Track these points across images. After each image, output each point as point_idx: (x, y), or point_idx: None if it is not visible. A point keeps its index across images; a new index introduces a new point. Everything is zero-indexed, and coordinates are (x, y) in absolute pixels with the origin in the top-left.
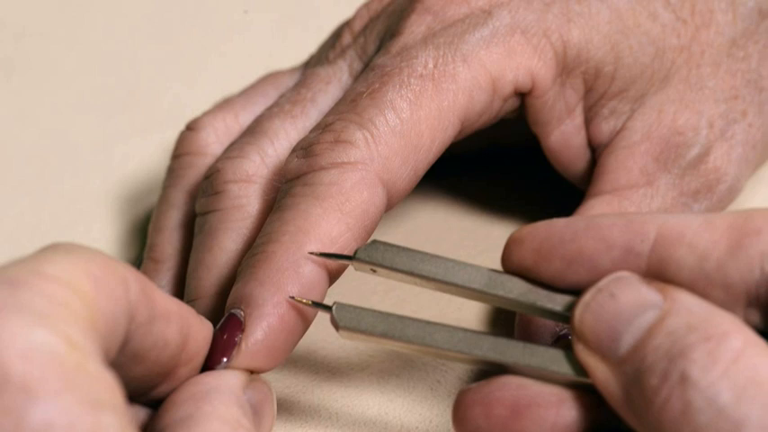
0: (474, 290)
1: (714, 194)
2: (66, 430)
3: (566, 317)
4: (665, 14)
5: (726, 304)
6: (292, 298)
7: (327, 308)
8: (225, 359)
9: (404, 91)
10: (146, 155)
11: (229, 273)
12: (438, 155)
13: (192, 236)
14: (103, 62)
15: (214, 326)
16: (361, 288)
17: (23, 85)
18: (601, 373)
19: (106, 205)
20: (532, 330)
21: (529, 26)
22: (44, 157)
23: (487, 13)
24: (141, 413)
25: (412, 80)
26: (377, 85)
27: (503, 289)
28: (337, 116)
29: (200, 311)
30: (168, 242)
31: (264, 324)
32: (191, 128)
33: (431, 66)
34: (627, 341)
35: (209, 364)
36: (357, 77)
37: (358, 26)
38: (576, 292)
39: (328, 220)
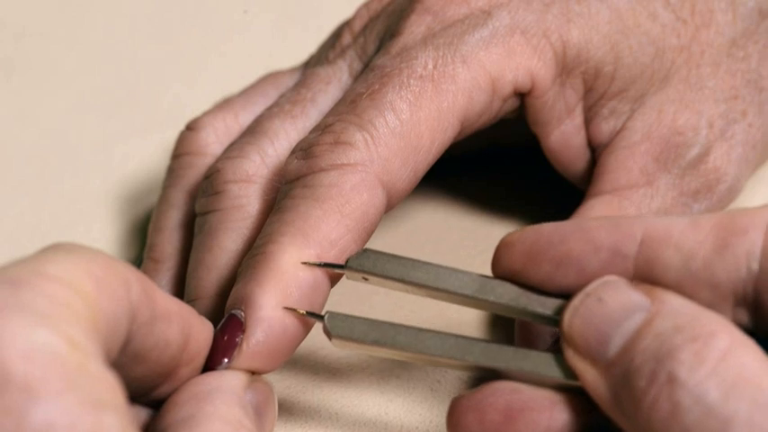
0: (465, 296)
1: (714, 194)
2: (68, 430)
3: (556, 321)
4: (665, 14)
5: (713, 304)
6: (286, 308)
7: (320, 317)
8: (226, 360)
9: (403, 92)
10: (146, 155)
11: (229, 273)
12: (438, 156)
13: (192, 236)
14: (103, 62)
15: (214, 326)
16: (362, 287)
17: (23, 85)
18: (590, 376)
19: (106, 205)
20: (532, 332)
21: (528, 26)
22: (44, 157)
23: (487, 14)
24: (142, 413)
25: (411, 81)
26: (376, 86)
27: (493, 294)
28: (337, 117)
29: (200, 312)
30: (168, 242)
31: (265, 325)
32: (191, 128)
33: (430, 66)
34: (615, 344)
35: (211, 364)
36: (357, 78)
37: (358, 26)
38: (566, 295)
39: (328, 221)
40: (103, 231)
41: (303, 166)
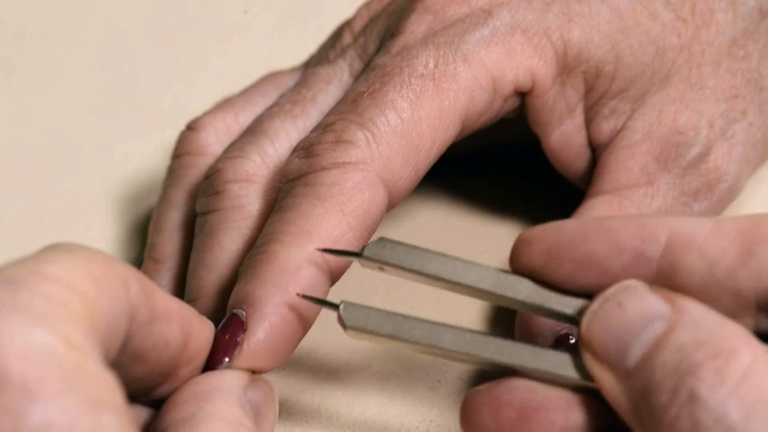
0: (482, 290)
1: (714, 194)
2: (66, 430)
3: (575, 320)
4: (666, 14)
5: (736, 311)
6: (299, 295)
7: (335, 306)
8: (227, 359)
9: (405, 91)
10: (146, 155)
11: (230, 273)
12: (439, 155)
13: (193, 236)
14: (103, 62)
15: (215, 326)
16: (362, 287)
17: (23, 85)
18: (608, 383)
19: (106, 205)
20: (533, 329)
21: (529, 26)
22: (44, 157)
23: (488, 13)
24: (143, 413)
25: (413, 80)
26: (378, 85)
27: (511, 290)
28: (338, 116)
29: (200, 311)
30: (168, 242)
31: (266, 324)
32: (191, 128)
33: (431, 65)
34: (635, 354)
35: (211, 364)
36: (357, 77)
37: (358, 26)
38: (586, 294)
39: (330, 220)
40: (103, 231)
41: (304, 165)
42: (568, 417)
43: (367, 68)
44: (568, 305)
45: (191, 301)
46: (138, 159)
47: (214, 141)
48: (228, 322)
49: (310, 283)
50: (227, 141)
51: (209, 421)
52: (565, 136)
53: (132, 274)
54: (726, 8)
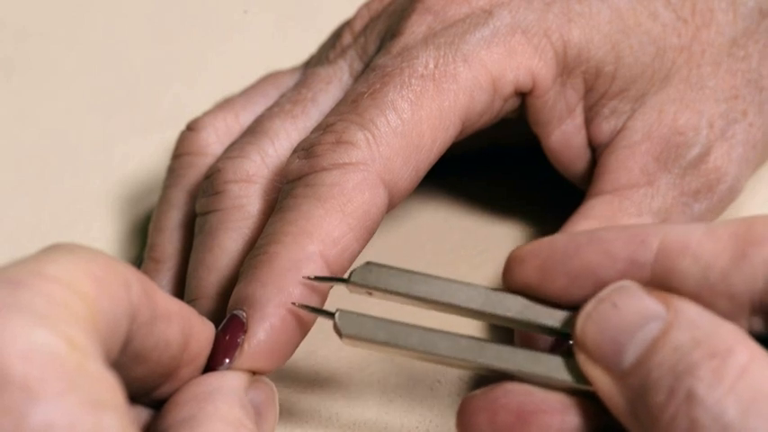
0: (472, 310)
1: (714, 194)
2: (67, 431)
3: (564, 333)
4: (666, 14)
5: (730, 313)
6: (294, 304)
7: (330, 314)
8: (227, 360)
9: (405, 91)
10: (146, 155)
11: (230, 273)
12: (439, 155)
13: (193, 236)
14: (103, 62)
15: (215, 326)
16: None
17: (23, 85)
18: (604, 384)
19: (106, 205)
20: (532, 334)
21: (529, 26)
22: (44, 157)
23: (488, 13)
24: (143, 414)
25: (413, 80)
26: (378, 86)
27: (500, 307)
28: (338, 117)
29: (200, 312)
30: (169, 242)
31: (267, 325)
32: (191, 128)
33: (432, 66)
34: (631, 354)
35: (212, 364)
36: (358, 77)
37: (358, 26)
38: (576, 307)
39: (330, 220)
40: (103, 231)
41: (305, 166)
42: (564, 419)
43: (367, 69)
44: (557, 319)
45: (191, 302)
46: (138, 159)
47: (214, 141)
48: (229, 323)
49: (310, 284)
50: (227, 141)
51: (210, 422)
52: (565, 136)
53: (133, 274)
54: (726, 8)
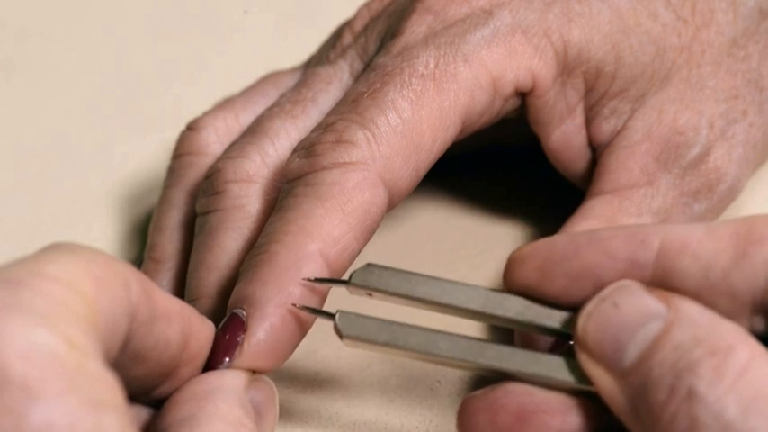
0: (472, 311)
1: (714, 194)
2: (67, 431)
3: (564, 333)
4: (666, 14)
5: (731, 313)
6: (294, 305)
7: (331, 315)
8: (227, 359)
9: (405, 91)
10: (146, 155)
11: (230, 273)
12: (439, 155)
13: (193, 236)
14: (103, 62)
15: (215, 326)
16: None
17: (23, 85)
18: (605, 383)
19: (106, 205)
20: (532, 337)
21: (530, 26)
22: (44, 157)
23: (488, 13)
24: (143, 413)
25: (413, 80)
26: (378, 85)
27: (500, 308)
28: (339, 116)
29: (200, 311)
30: (169, 242)
31: (267, 324)
32: (191, 128)
33: (432, 65)
34: (632, 353)
35: (212, 363)
36: (358, 77)
37: (359, 26)
38: (577, 308)
39: (330, 220)
40: (103, 231)
41: (305, 165)
42: (565, 420)
43: (367, 68)
44: (557, 319)
45: (191, 301)
46: (138, 159)
47: (214, 141)
48: (229, 322)
49: (311, 283)
50: (227, 141)
51: (210, 421)
52: (565, 136)
53: (133, 273)
54: (726, 8)
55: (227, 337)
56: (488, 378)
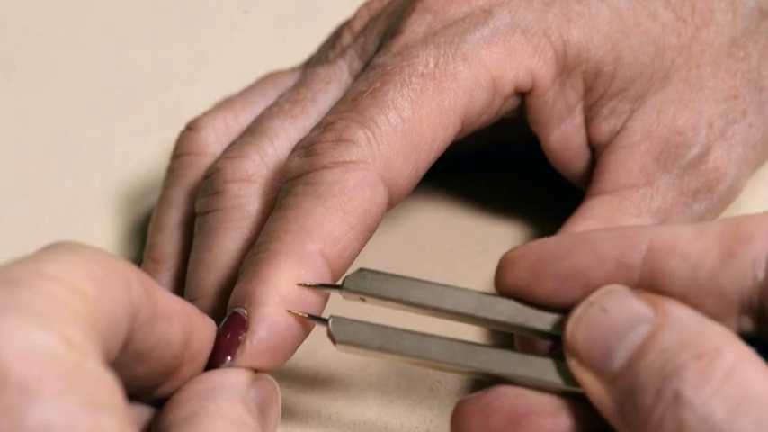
0: (465, 314)
1: (714, 194)
2: (66, 431)
3: (555, 336)
4: (666, 14)
5: (719, 313)
6: (290, 311)
7: (324, 321)
8: (229, 358)
9: (405, 90)
10: (146, 155)
11: (229, 272)
12: (439, 154)
13: (193, 236)
14: (103, 62)
15: (216, 325)
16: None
17: (23, 85)
18: (594, 387)
19: (106, 205)
20: (531, 339)
21: (529, 26)
22: (44, 157)
23: (488, 13)
24: (145, 412)
25: (413, 79)
26: (378, 84)
27: (492, 312)
28: (339, 115)
29: (200, 311)
30: (168, 242)
31: (268, 322)
32: (191, 128)
33: (432, 65)
34: (620, 357)
35: (213, 362)
36: (357, 77)
37: (358, 26)
38: (567, 310)
39: (331, 219)
40: (103, 231)
41: (305, 164)
42: (556, 422)
43: (367, 68)
44: (548, 322)
45: (190, 301)
46: (138, 159)
47: (214, 141)
48: (230, 321)
49: (311, 281)
50: (226, 141)
51: (212, 420)
52: (564, 136)
53: (134, 272)
54: (726, 8)
55: (228, 336)
56: (483, 382)
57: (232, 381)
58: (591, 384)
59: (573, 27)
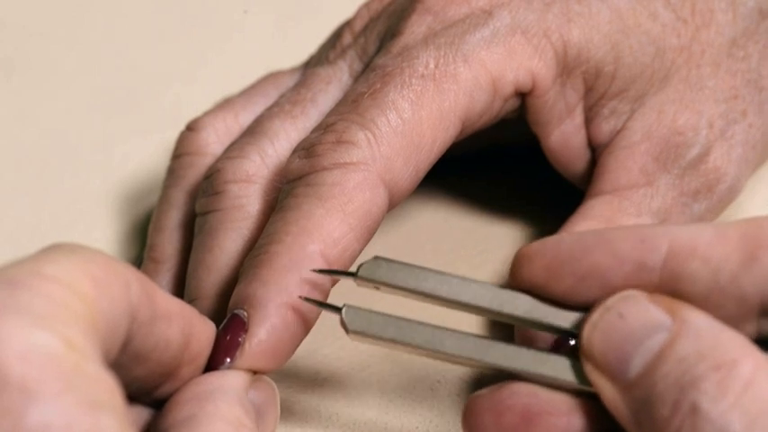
0: (480, 307)
1: (714, 194)
2: (65, 431)
3: (574, 334)
4: (666, 14)
5: (739, 316)
6: (301, 298)
7: (337, 309)
8: (228, 359)
9: (405, 91)
10: (146, 155)
11: (229, 273)
12: (439, 155)
13: (193, 236)
14: (103, 62)
15: (216, 326)
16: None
17: (23, 85)
18: (610, 393)
19: (106, 205)
20: (531, 334)
21: (529, 26)
22: (44, 157)
23: (488, 14)
24: (144, 413)
25: (413, 80)
26: (378, 86)
27: (509, 306)
28: (339, 116)
29: (199, 312)
30: (168, 242)
31: (268, 324)
32: (191, 128)
33: (432, 66)
34: (636, 365)
35: (213, 364)
36: (357, 78)
37: (358, 26)
38: (583, 307)
39: (331, 220)
40: (103, 231)
41: (305, 165)
42: (569, 421)
43: (367, 69)
44: (567, 319)
45: (190, 302)
46: (138, 159)
47: (214, 141)
48: (230, 323)
49: (312, 282)
50: (227, 141)
51: (211, 421)
52: (564, 136)
53: (133, 274)
54: (726, 8)
55: (228, 337)
56: (488, 378)
57: (231, 382)
58: (606, 390)
59: (573, 27)
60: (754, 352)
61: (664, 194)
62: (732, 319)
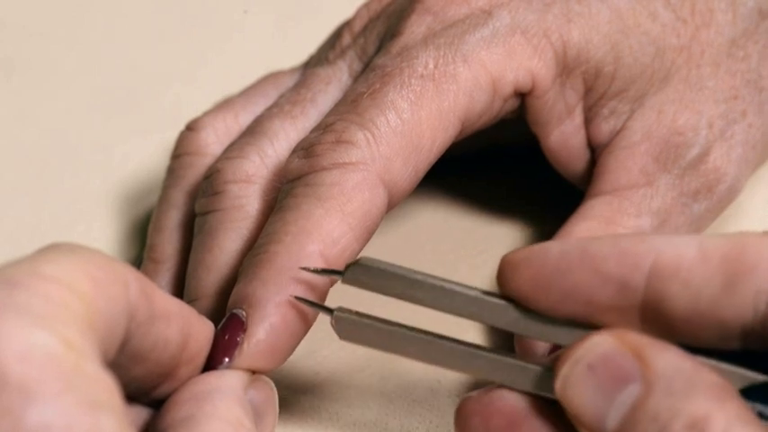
0: (465, 315)
1: (714, 194)
2: (65, 431)
3: (557, 347)
4: (665, 14)
5: (721, 338)
6: (295, 298)
7: (329, 311)
8: (227, 359)
9: (405, 91)
10: (146, 155)
11: (229, 273)
12: (439, 155)
13: (192, 236)
14: (103, 62)
15: (215, 326)
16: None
17: (23, 85)
18: None
19: (106, 205)
20: (530, 345)
21: (529, 26)
22: (44, 157)
23: (488, 14)
24: (143, 413)
25: (413, 80)
26: (378, 86)
27: (492, 317)
28: (338, 116)
29: (199, 312)
30: (168, 242)
31: (267, 324)
32: (191, 128)
33: (431, 66)
34: (613, 419)
35: (211, 364)
36: (357, 78)
37: (358, 26)
38: (569, 321)
39: (330, 220)
40: (103, 231)
41: (305, 165)
42: (557, 425)
43: (367, 69)
44: (552, 335)
45: (190, 302)
46: (138, 159)
47: (214, 141)
48: (228, 322)
49: (311, 282)
50: (226, 141)
51: (209, 421)
52: (564, 136)
53: (131, 273)
54: (725, 9)
55: (226, 337)
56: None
57: (229, 382)
58: None
59: (573, 27)
60: (725, 403)
61: (664, 195)
62: (714, 342)
